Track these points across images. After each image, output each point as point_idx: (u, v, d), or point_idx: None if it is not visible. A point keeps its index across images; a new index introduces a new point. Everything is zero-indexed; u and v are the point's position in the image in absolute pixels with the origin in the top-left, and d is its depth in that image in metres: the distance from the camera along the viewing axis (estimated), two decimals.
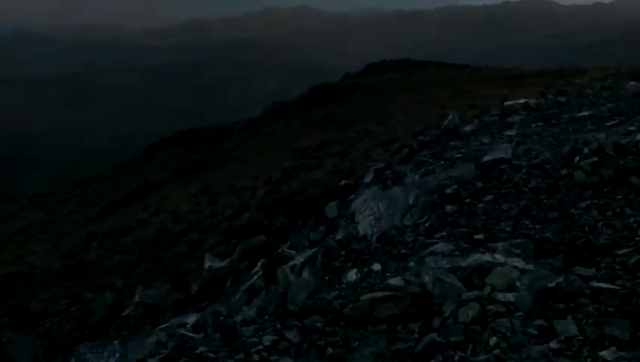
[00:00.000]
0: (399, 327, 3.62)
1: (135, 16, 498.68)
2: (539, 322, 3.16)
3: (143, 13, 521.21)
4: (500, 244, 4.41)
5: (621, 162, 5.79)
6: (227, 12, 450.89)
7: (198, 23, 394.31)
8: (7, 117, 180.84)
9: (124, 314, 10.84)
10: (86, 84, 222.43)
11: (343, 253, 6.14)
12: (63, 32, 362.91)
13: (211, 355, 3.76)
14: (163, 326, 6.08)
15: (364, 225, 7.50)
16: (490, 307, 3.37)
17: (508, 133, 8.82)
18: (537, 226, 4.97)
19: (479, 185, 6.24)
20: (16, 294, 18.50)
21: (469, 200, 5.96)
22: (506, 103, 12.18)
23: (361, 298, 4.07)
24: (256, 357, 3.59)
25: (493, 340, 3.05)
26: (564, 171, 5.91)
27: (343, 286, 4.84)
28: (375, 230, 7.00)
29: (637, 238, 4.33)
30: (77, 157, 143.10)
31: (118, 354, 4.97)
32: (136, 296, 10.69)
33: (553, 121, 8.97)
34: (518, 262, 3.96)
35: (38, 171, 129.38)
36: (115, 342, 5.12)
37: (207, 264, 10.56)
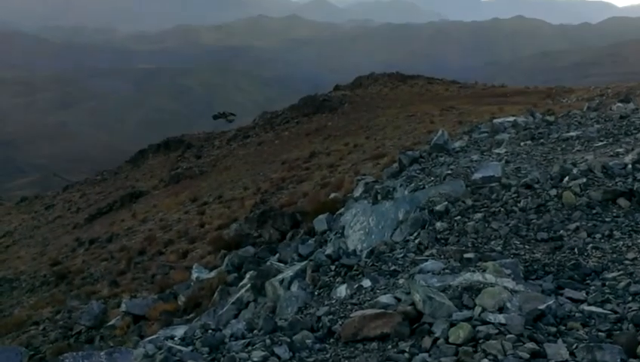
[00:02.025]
0: (389, 346, 3.62)
1: (125, 19, 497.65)
2: (530, 345, 3.17)
3: (133, 17, 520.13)
4: (490, 264, 4.42)
5: (609, 184, 5.86)
6: (218, 19, 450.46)
7: (188, 29, 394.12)
8: None
9: (110, 323, 10.75)
10: (75, 88, 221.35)
11: (333, 267, 6.15)
12: (52, 33, 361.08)
13: None
14: (150, 337, 6.05)
15: (354, 239, 7.52)
16: (481, 328, 3.38)
17: (497, 150, 8.87)
18: (527, 246, 5.01)
19: (469, 202, 6.27)
20: (1, 299, 18.32)
21: (459, 217, 5.99)
22: (494, 121, 12.25)
23: (351, 315, 4.06)
24: None
25: None
26: (553, 191, 5.96)
27: (333, 301, 4.83)
28: (365, 245, 7.03)
29: (626, 262, 4.38)
30: (64, 162, 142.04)
31: None
32: (123, 306, 10.61)
33: (542, 141, 9.03)
34: (509, 283, 3.99)
35: (24, 175, 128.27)
36: (102, 352, 5.08)
37: (194, 275, 10.52)
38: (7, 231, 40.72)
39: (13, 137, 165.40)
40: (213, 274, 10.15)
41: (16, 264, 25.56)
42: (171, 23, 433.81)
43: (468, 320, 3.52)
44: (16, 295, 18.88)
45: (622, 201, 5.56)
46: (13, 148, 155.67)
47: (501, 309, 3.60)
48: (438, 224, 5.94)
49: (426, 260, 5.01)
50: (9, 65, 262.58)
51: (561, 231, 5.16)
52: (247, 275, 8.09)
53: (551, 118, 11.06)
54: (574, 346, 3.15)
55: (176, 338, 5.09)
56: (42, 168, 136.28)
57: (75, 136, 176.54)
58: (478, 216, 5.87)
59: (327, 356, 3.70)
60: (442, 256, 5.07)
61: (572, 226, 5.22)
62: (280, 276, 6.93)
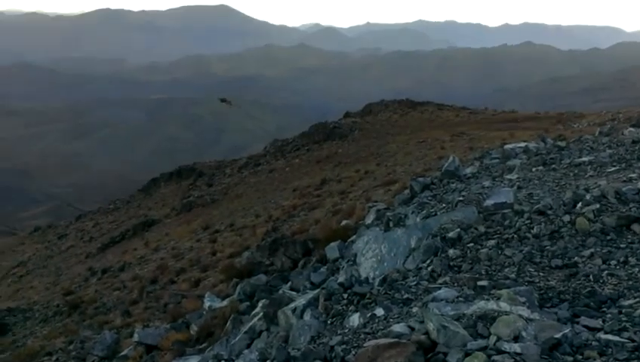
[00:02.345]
0: None
1: (136, 51, 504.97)
2: None
3: (144, 48, 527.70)
4: (504, 291, 4.38)
5: (623, 210, 5.82)
6: (228, 49, 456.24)
7: (199, 59, 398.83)
8: (9, 149, 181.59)
9: (122, 353, 10.71)
10: (87, 118, 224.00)
11: (345, 296, 6.12)
12: (64, 64, 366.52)
13: None
14: None
15: (366, 267, 7.49)
16: (496, 358, 3.35)
17: (509, 176, 8.83)
18: (541, 274, 4.97)
19: (482, 229, 6.24)
20: (15, 330, 18.37)
21: (472, 244, 5.96)
22: (506, 146, 12.22)
23: (365, 344, 4.03)
24: None
25: None
26: (566, 218, 5.92)
27: (346, 331, 4.81)
28: (377, 273, 6.99)
29: None
30: (77, 191, 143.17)
31: None
32: (135, 336, 10.56)
33: (554, 166, 9.00)
34: (524, 311, 3.95)
35: (38, 204, 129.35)
36: None
37: (207, 303, 10.47)
38: (21, 261, 40.95)
39: (28, 167, 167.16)
40: (225, 302, 10.10)
41: (30, 294, 25.64)
42: (182, 54, 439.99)
43: (483, 349, 3.49)
44: (30, 325, 18.91)
45: (636, 227, 5.52)
46: (27, 178, 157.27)
47: (516, 338, 3.57)
48: (451, 251, 5.90)
49: (440, 288, 4.97)
50: (23, 97, 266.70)
51: (576, 258, 5.12)
52: (260, 304, 8.05)
53: (562, 144, 11.03)
54: None
55: None
56: (56, 197, 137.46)
57: (87, 165, 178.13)
58: (491, 242, 5.84)
59: None
60: (456, 284, 5.03)
61: (587, 253, 5.18)
62: (292, 304, 6.90)
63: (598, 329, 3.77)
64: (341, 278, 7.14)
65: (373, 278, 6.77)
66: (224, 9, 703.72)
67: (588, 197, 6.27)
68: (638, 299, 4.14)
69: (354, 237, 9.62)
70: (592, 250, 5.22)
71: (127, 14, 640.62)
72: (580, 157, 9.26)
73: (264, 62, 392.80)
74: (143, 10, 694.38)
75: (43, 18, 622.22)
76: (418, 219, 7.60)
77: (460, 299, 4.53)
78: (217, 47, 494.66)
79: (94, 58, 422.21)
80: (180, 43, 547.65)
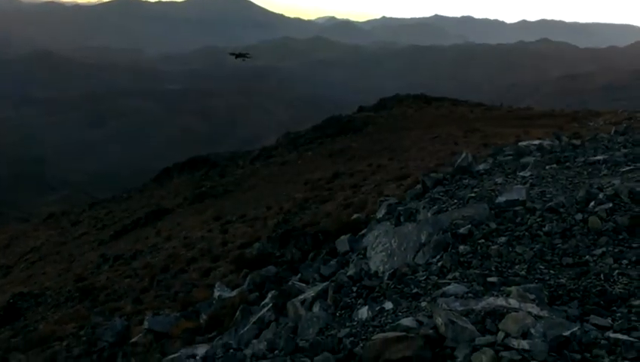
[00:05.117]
0: None
1: (152, 41, 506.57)
2: None
3: (160, 39, 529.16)
4: (513, 288, 4.37)
5: (637, 209, 5.77)
6: (244, 41, 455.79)
7: (214, 51, 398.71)
8: (28, 137, 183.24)
9: (132, 340, 10.80)
10: (103, 107, 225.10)
11: (355, 288, 6.14)
12: (82, 54, 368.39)
13: None
14: (172, 356, 6.07)
15: (376, 261, 7.48)
16: (504, 354, 3.34)
17: (522, 174, 8.79)
18: (552, 271, 4.94)
19: (493, 226, 6.21)
20: (26, 315, 18.59)
21: (483, 241, 5.93)
22: (520, 143, 12.15)
23: (373, 337, 4.04)
24: None
25: None
26: (578, 216, 5.88)
27: (354, 323, 4.83)
28: (387, 267, 6.98)
29: None
30: (92, 179, 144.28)
31: None
32: (146, 323, 10.64)
33: (567, 164, 8.94)
34: (533, 308, 3.94)
35: (53, 191, 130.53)
36: None
37: (216, 293, 10.53)
38: (34, 246, 41.34)
39: (44, 155, 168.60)
40: (234, 293, 10.16)
41: (42, 280, 25.89)
42: (197, 45, 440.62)
43: (491, 345, 3.49)
44: (42, 310, 19.12)
45: None
46: (43, 166, 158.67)
47: (525, 335, 3.56)
48: (462, 247, 5.88)
49: (449, 283, 4.97)
50: (41, 86, 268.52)
51: (587, 257, 5.08)
52: (269, 295, 8.09)
53: (577, 142, 10.95)
54: None
55: (197, 357, 5.12)
56: (70, 185, 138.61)
57: (103, 154, 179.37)
58: (502, 239, 5.81)
59: None
60: (465, 280, 5.02)
61: (598, 251, 5.14)
62: (301, 296, 6.92)
63: (608, 328, 3.75)
64: (351, 271, 7.15)
65: (383, 272, 6.77)
66: (240, 1, 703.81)
67: (601, 196, 6.22)
68: None
69: (364, 230, 9.63)
70: (604, 248, 5.18)
71: (144, 5, 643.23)
72: (595, 155, 9.18)
73: (279, 55, 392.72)
74: (160, 1, 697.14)
75: (61, 7, 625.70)
76: (429, 214, 7.59)
77: (469, 294, 4.52)
78: (233, 39, 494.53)
79: (111, 48, 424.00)
80: (196, 34, 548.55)
